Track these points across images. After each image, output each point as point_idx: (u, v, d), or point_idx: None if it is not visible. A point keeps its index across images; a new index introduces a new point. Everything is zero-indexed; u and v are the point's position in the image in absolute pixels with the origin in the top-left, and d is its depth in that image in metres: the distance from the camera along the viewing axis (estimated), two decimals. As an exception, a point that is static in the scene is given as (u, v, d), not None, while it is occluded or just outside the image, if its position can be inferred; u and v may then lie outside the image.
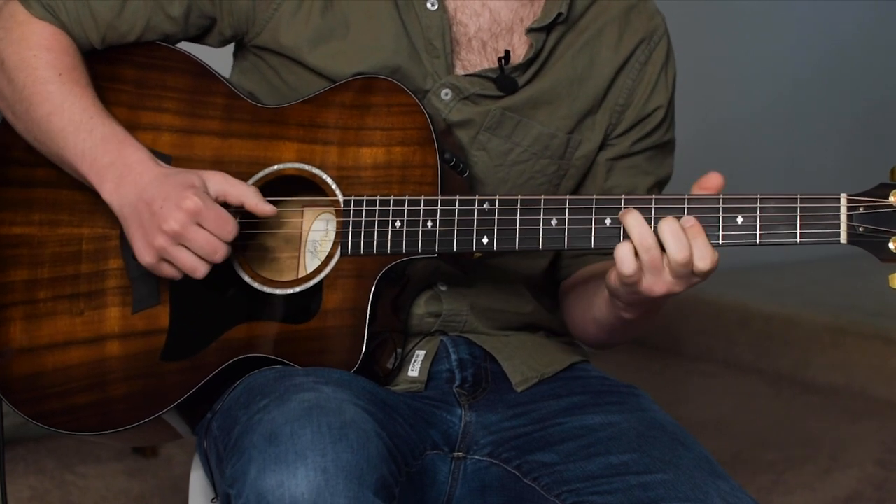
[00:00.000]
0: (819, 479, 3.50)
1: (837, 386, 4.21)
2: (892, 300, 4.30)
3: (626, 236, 1.69)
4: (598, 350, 2.07)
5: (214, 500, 1.94)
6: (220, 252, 1.80)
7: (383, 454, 1.65)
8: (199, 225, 1.79)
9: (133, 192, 1.82)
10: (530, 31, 1.93)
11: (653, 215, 1.71)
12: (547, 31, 1.93)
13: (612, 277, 1.73)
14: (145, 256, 1.82)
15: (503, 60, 1.90)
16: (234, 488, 1.62)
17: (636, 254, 1.69)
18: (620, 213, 1.70)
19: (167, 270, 1.83)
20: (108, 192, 1.84)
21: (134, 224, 1.82)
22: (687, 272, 1.69)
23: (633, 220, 1.69)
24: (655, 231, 1.68)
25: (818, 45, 5.31)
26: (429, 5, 1.91)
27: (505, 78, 1.91)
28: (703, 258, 1.67)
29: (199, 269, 1.81)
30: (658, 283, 1.70)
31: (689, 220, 1.68)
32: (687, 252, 1.67)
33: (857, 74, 5.42)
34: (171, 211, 1.79)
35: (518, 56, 1.93)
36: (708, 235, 1.69)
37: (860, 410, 4.04)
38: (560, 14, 1.93)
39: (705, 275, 1.69)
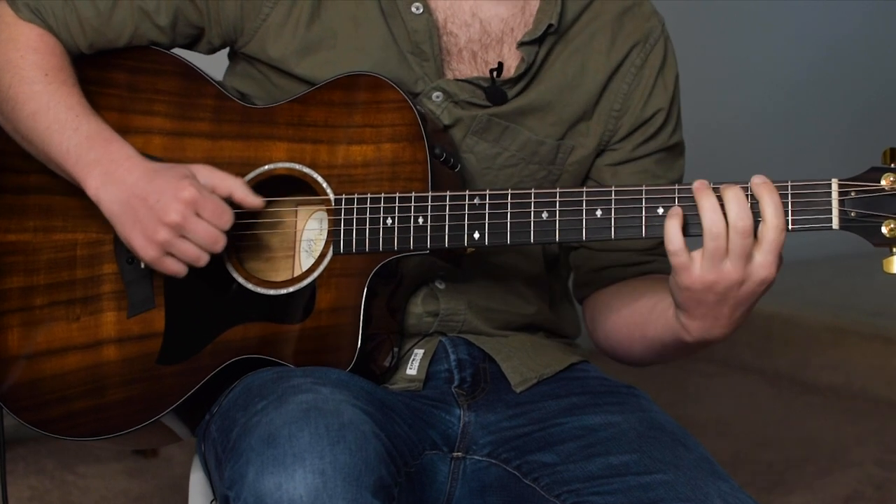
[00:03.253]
0: (819, 479, 3.50)
1: (837, 386, 4.21)
2: (892, 300, 4.33)
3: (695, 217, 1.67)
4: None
5: (214, 502, 1.94)
6: (220, 242, 1.81)
7: (381, 455, 1.65)
8: (198, 215, 1.79)
9: (123, 189, 1.82)
10: (521, 44, 1.92)
11: (643, 205, 1.70)
12: (538, 44, 1.93)
13: (671, 281, 1.71)
14: (149, 252, 1.82)
15: (495, 73, 1.90)
16: (233, 490, 1.63)
17: (685, 231, 1.67)
18: (695, 186, 1.67)
19: (171, 265, 1.82)
20: (94, 189, 1.84)
21: (129, 222, 1.82)
22: (745, 248, 1.65)
23: (707, 204, 1.66)
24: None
25: (815, 45, 5.31)
26: (413, 9, 1.90)
27: (495, 90, 1.91)
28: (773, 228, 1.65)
29: (202, 258, 1.82)
30: (711, 271, 1.66)
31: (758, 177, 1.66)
32: (749, 220, 1.64)
33: (854, 74, 5.42)
34: (170, 202, 1.79)
35: (509, 68, 1.92)
36: (698, 224, 1.67)
37: (860, 410, 4.04)
38: (551, 25, 1.92)
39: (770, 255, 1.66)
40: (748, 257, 1.66)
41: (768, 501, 3.34)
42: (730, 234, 1.65)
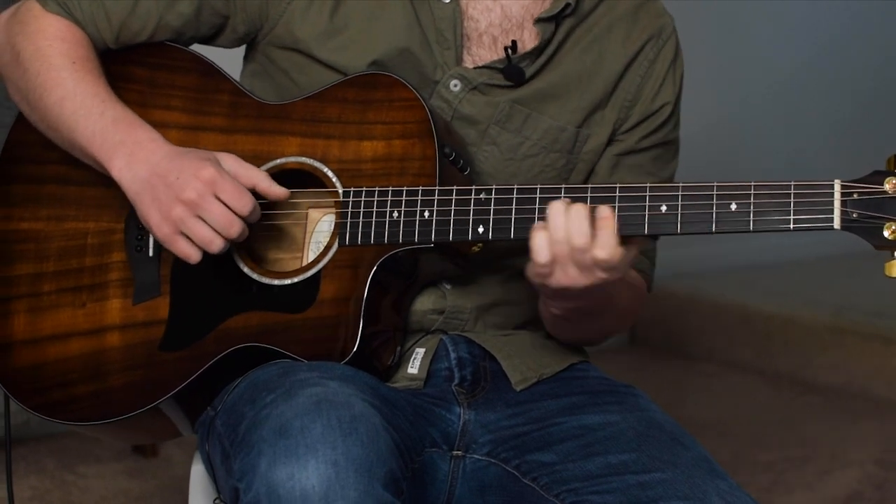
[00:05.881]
0: (819, 479, 3.51)
1: (837, 386, 4.21)
2: (892, 300, 4.33)
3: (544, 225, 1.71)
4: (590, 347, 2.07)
5: (217, 500, 1.95)
6: (235, 227, 1.80)
7: (392, 448, 1.66)
8: (216, 197, 1.80)
9: (145, 168, 1.83)
10: (538, 21, 1.94)
11: (647, 203, 1.72)
12: (556, 23, 1.94)
13: (528, 268, 1.75)
14: (162, 229, 1.82)
15: (510, 50, 1.91)
16: (244, 482, 1.64)
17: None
18: (550, 202, 1.71)
19: (182, 246, 1.82)
20: (118, 170, 1.85)
21: (147, 198, 1.83)
22: (587, 262, 1.69)
23: (553, 210, 1.70)
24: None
25: (813, 41, 5.31)
26: None
27: (512, 67, 1.92)
28: (604, 247, 1.68)
29: (215, 243, 1.81)
30: (563, 276, 1.71)
31: (605, 211, 1.69)
32: (586, 239, 1.68)
33: (852, 71, 5.41)
34: (189, 180, 1.79)
35: (526, 48, 1.94)
36: (701, 223, 1.70)
37: (860, 410, 4.04)
38: (568, 5, 1.94)
39: (606, 267, 1.70)
40: (591, 265, 1.70)
41: (768, 501, 3.34)
42: (570, 249, 1.69)
